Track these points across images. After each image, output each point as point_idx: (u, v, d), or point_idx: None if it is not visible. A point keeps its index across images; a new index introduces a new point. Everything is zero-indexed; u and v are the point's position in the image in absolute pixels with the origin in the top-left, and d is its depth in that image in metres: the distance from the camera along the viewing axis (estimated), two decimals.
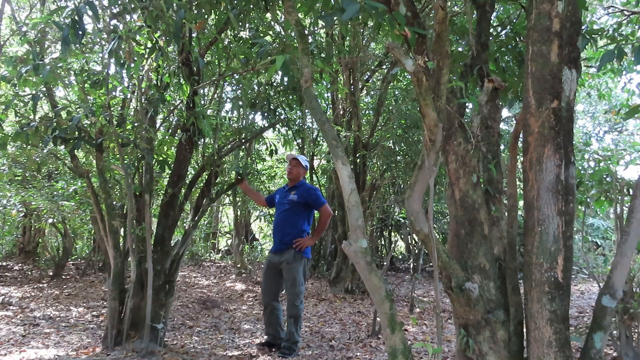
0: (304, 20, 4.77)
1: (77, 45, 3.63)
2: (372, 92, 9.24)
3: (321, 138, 9.50)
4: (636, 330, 3.05)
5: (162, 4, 3.23)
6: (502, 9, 3.98)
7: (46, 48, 4.54)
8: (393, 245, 12.67)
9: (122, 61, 3.44)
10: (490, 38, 2.99)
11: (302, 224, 4.23)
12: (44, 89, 4.29)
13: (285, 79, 3.39)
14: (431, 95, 2.11)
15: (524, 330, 2.14)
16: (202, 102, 5.33)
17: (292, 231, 4.15)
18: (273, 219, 4.40)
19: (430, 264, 7.03)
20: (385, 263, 7.78)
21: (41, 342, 4.35)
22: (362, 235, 2.17)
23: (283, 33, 4.44)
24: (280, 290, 4.28)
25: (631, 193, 2.85)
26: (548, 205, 1.99)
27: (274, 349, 4.12)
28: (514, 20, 3.63)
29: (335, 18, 2.31)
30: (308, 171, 9.85)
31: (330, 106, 8.92)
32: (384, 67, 8.31)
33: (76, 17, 2.96)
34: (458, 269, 2.21)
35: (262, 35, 4.51)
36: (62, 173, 7.53)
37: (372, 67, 8.57)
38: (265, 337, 4.29)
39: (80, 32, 3.00)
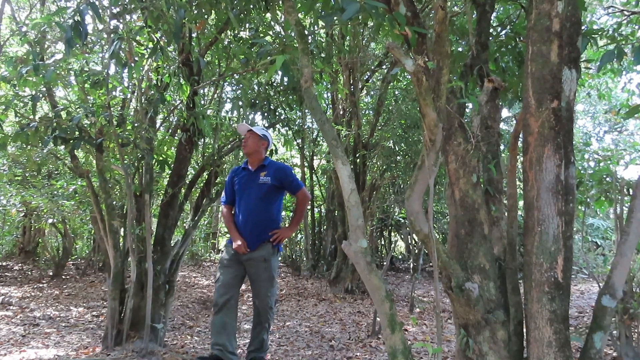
0: (304, 20, 4.77)
1: (78, 46, 3.63)
2: (372, 92, 9.26)
3: (321, 138, 9.51)
4: (636, 330, 3.04)
5: (162, 4, 3.24)
6: (502, 9, 3.98)
7: (46, 48, 4.54)
8: (393, 245, 12.69)
9: (123, 62, 3.44)
10: (490, 38, 2.99)
11: (277, 212, 3.57)
12: (44, 89, 4.29)
13: (285, 79, 3.39)
14: (431, 95, 2.11)
15: (524, 330, 2.14)
16: (202, 102, 5.33)
17: (270, 222, 3.46)
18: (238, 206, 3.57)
19: (430, 264, 7.03)
20: (385, 263, 7.77)
21: (41, 342, 4.35)
22: (362, 235, 2.16)
23: (283, 33, 4.44)
24: (240, 287, 3.50)
25: (631, 193, 2.85)
26: (548, 205, 1.99)
27: None
28: (514, 20, 3.63)
29: (335, 18, 2.31)
30: (304, 168, 9.93)
31: (330, 106, 8.93)
32: (384, 67, 8.32)
33: (78, 19, 2.96)
34: (458, 269, 2.21)
35: (262, 35, 4.52)
36: (62, 173, 7.54)
37: (372, 67, 8.57)
38: (213, 350, 3.25)
39: (83, 34, 3.00)
